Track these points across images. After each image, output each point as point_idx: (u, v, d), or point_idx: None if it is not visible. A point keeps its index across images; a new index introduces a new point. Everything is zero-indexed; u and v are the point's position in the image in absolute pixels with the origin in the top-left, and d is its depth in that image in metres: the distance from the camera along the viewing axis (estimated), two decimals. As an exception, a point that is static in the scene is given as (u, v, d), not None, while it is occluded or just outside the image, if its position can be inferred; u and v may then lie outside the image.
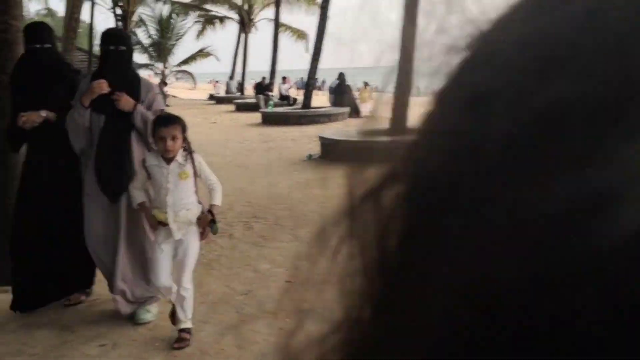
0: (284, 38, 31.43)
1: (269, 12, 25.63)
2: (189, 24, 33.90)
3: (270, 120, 15.80)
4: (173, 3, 31.78)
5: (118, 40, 3.58)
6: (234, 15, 30.04)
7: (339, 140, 9.12)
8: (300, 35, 31.09)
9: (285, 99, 20.75)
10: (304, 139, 12.35)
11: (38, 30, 3.66)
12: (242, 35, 29.84)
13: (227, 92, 29.25)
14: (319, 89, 44.63)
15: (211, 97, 29.85)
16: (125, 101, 3.43)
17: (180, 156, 3.18)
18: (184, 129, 3.20)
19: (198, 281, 3.67)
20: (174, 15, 33.48)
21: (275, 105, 19.66)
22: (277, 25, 22.85)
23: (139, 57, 37.81)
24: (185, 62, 36.59)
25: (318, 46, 16.21)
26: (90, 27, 30.68)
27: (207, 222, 3.21)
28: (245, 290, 3.97)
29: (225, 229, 5.34)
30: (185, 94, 44.60)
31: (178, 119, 3.23)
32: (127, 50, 3.64)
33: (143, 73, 41.88)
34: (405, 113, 9.83)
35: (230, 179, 7.84)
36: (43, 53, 3.59)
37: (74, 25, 14.18)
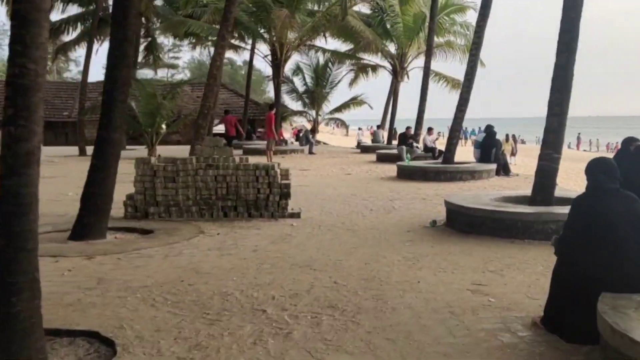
0: (438, 87, 30.21)
1: (422, 60, 24.69)
2: (343, 72, 34.10)
3: (405, 174, 14.57)
4: (330, 52, 32.18)
5: None
6: (386, 63, 29.52)
7: (467, 207, 7.65)
8: (455, 84, 29.62)
9: (429, 151, 19.38)
10: (437, 199, 10.93)
11: None
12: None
13: (374, 140, 28.52)
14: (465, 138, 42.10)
15: (358, 145, 29.34)
16: None
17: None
18: None
19: None
20: (329, 64, 33.91)
21: (417, 158, 18.38)
22: (427, 73, 21.73)
23: (293, 104, 38.99)
24: (338, 109, 36.80)
25: (465, 96, 14.79)
26: (249, 73, 32.14)
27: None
28: None
29: (284, 323, 4.25)
30: (337, 141, 44.97)
31: None
32: None
33: (297, 120, 43.02)
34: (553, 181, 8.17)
35: (329, 247, 6.77)
36: None
37: (215, 72, 14.36)
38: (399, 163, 15.24)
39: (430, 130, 19.80)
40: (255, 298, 4.87)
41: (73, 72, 65.61)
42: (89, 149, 27.92)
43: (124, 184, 9.14)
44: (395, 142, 26.79)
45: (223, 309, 4.59)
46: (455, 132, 15.14)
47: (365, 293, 5.03)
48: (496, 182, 13.76)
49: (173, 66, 64.16)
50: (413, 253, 6.56)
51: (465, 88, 14.79)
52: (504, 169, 14.95)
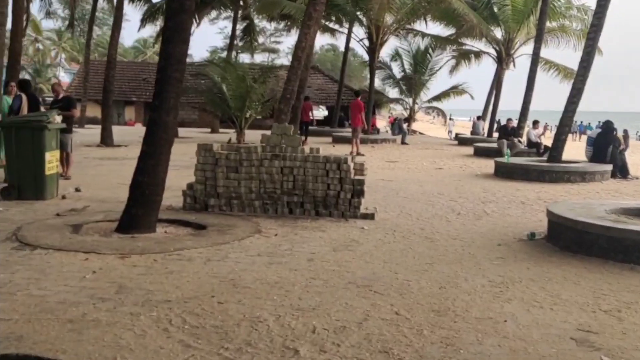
0: (547, 77, 27.70)
1: (531, 47, 22.46)
2: (444, 59, 32.23)
3: (504, 172, 12.99)
4: (430, 37, 30.46)
5: None
6: (491, 50, 27.39)
7: (575, 220, 6.22)
8: (568, 74, 26.97)
9: (534, 146, 17.49)
10: (538, 205, 9.44)
11: None
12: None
13: (473, 132, 26.65)
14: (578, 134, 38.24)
15: (454, 135, 27.54)
16: None
17: None
18: None
19: None
20: (429, 50, 32.17)
21: (520, 153, 16.58)
22: (535, 60, 19.64)
23: (390, 91, 37.58)
24: (437, 98, 34.99)
25: (579, 86, 12.94)
26: (344, 58, 31.15)
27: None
28: None
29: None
30: (435, 131, 43.02)
31: None
32: None
33: (396, 108, 41.46)
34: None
35: (399, 261, 5.66)
36: None
37: (300, 54, 13.52)
38: (498, 159, 13.65)
39: (535, 123, 17.87)
40: (291, 329, 3.89)
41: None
42: (180, 131, 28.43)
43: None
44: (496, 135, 24.88)
45: (247, 342, 3.65)
46: (565, 126, 13.31)
47: (433, 333, 3.90)
48: (611, 187, 11.88)
49: (273, 50, 64.33)
50: (502, 276, 5.30)
51: (580, 77, 12.93)
52: (621, 171, 12.96)
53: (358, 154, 16.81)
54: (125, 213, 6.67)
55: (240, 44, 36.53)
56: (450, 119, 36.30)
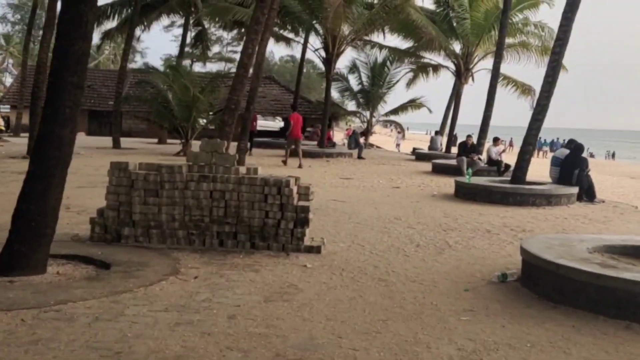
0: (505, 93, 27.27)
1: (490, 61, 21.89)
2: (402, 72, 31.51)
3: (465, 193, 12.05)
4: (388, 49, 29.71)
5: None
6: (449, 64, 26.79)
7: (556, 264, 5.19)
8: (525, 90, 26.62)
9: (494, 164, 16.71)
10: (506, 233, 8.47)
11: None
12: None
13: (431, 147, 25.91)
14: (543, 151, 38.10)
15: (413, 151, 26.79)
16: None
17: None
18: None
19: None
20: (387, 62, 31.42)
21: (479, 171, 15.75)
22: (495, 75, 18.99)
23: (349, 104, 36.72)
24: (395, 111, 34.27)
25: (544, 102, 12.16)
26: (300, 68, 30.07)
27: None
28: None
29: None
30: (393, 146, 42.38)
31: None
32: None
33: (355, 120, 40.56)
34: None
35: (345, 317, 4.49)
36: None
37: (246, 61, 12.33)
38: (458, 179, 12.71)
39: (497, 140, 17.11)
40: None
41: (138, 63, 65.18)
42: (125, 141, 26.73)
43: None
44: (454, 151, 24.20)
45: None
46: (529, 145, 12.49)
47: None
48: (579, 211, 11.06)
49: (230, 60, 62.86)
50: (474, 340, 4.18)
51: (545, 93, 12.14)
52: (587, 194, 12.19)
53: (300, 166, 17.02)
54: (5, 249, 5.31)
55: (194, 51, 35.11)
56: (398, 131, 35.09)
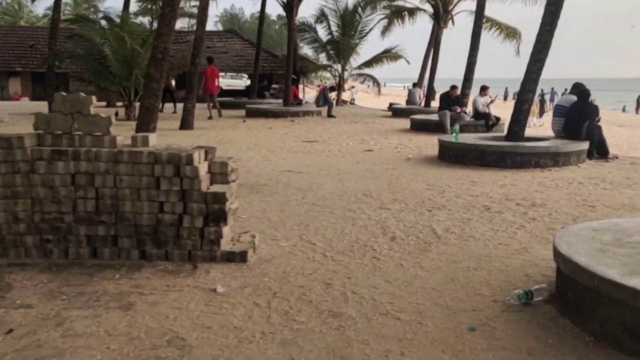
0: (490, 39, 24.86)
1: (470, 2, 19.39)
2: (375, 19, 28.85)
3: (452, 155, 9.82)
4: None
5: None
6: (427, 6, 24.22)
7: (618, 284, 2.98)
8: (510, 33, 24.24)
9: (481, 117, 14.49)
10: (510, 209, 6.31)
11: None
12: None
13: (409, 102, 23.59)
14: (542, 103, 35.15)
15: (390, 107, 24.44)
16: None
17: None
18: None
19: None
20: (359, 9, 28.70)
21: (466, 127, 13.53)
22: (480, 12, 16.53)
23: (314, 57, 33.98)
24: (369, 63, 31.68)
25: (545, 38, 9.88)
26: (261, 16, 27.21)
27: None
28: None
29: None
30: (371, 101, 39.87)
31: None
32: None
33: (324, 76, 37.88)
34: None
35: None
36: None
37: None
38: (443, 138, 10.45)
39: (484, 89, 14.82)
40: None
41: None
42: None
43: None
44: (435, 105, 21.96)
45: None
46: (528, 92, 10.23)
47: None
48: (594, 172, 8.91)
49: (194, 15, 58.87)
50: None
51: (547, 27, 9.82)
52: (598, 150, 10.06)
53: (210, 118, 17.79)
54: None
55: (152, 7, 31.87)
56: (352, 87, 31.68)
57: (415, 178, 8.31)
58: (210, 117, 18.19)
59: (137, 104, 19.66)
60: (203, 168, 4.41)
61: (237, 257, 4.41)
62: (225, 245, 4.46)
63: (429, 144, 12.42)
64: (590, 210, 6.32)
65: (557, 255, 3.55)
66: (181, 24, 53.79)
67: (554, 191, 7.42)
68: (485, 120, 14.28)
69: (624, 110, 46.07)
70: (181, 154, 4.31)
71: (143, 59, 17.09)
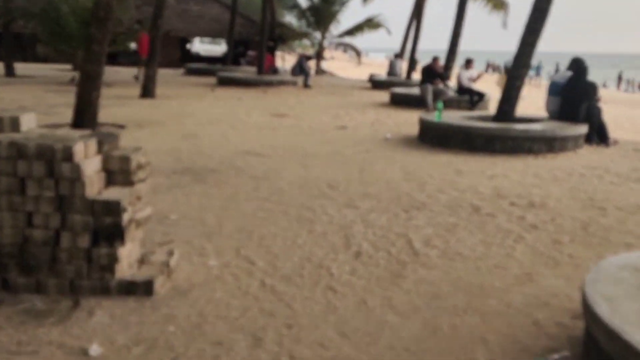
0: (474, 9, 23.49)
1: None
2: (357, -15, 27.31)
3: (433, 137, 8.63)
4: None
5: None
6: (411, -28, 22.70)
7: None
8: (497, 4, 22.91)
9: (465, 93, 13.31)
10: (505, 210, 5.18)
11: None
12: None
13: (390, 73, 22.26)
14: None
15: (370, 78, 23.10)
16: None
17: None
18: None
19: None
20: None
21: (448, 102, 12.36)
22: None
23: (295, 24, 32.39)
24: (350, 32, 30.21)
25: (543, 5, 8.66)
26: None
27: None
28: None
29: None
30: (351, 72, 38.38)
31: None
32: None
33: (305, 44, 36.31)
34: None
35: None
36: None
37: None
38: (424, 116, 9.23)
39: (469, 63, 13.60)
40: None
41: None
42: (31, 68, 22.15)
43: None
44: (416, 78, 20.72)
45: None
46: (522, 67, 9.03)
47: None
48: (594, 160, 7.79)
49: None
50: None
51: (539, 6, 8.58)
52: (599, 134, 8.94)
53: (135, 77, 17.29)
54: None
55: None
56: (306, 56, 27.93)
57: (391, 165, 7.12)
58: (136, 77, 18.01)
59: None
60: (91, 165, 3.16)
61: (140, 289, 3.20)
62: (125, 270, 3.24)
63: (409, 120, 11.22)
64: (600, 214, 5.19)
65: (594, 319, 2.37)
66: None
67: (552, 185, 6.28)
68: (470, 96, 13.10)
69: (604, 85, 45.17)
70: (55, 146, 3.04)
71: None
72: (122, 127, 9.19)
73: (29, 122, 3.40)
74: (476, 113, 10.52)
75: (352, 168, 6.85)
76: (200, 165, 6.71)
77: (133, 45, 22.16)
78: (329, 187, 5.90)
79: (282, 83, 18.77)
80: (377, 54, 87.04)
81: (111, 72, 20.20)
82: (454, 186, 6.08)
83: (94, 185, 3.16)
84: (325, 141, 8.78)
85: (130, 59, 24.82)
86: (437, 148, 8.26)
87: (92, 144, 3.23)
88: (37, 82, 17.00)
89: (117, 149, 3.45)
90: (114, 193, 3.22)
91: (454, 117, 9.30)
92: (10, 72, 19.32)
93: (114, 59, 23.89)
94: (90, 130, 3.36)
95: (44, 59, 27.75)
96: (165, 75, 21.27)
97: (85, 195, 3.09)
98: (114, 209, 3.12)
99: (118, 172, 3.34)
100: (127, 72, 21.53)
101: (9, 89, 14.88)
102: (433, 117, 8.92)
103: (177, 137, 8.52)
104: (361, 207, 5.17)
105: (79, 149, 3.07)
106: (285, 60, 33.25)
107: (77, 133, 3.43)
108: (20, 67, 20.82)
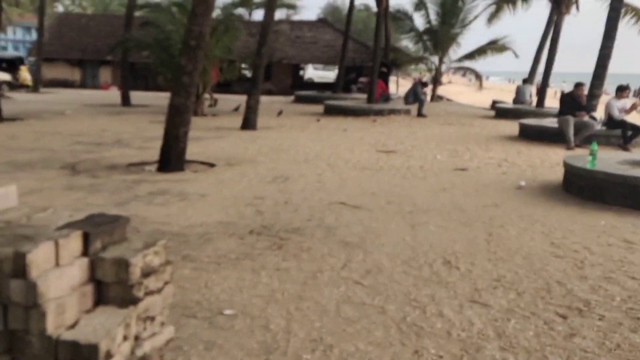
0: (624, 29, 20.70)
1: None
2: (479, 6, 25.45)
3: (583, 188, 6.76)
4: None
5: None
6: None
7: None
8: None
9: (618, 126, 11.13)
10: None
11: None
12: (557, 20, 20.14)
13: (517, 100, 20.10)
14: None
15: (493, 105, 21.06)
16: None
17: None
18: None
19: None
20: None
21: (595, 136, 10.27)
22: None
23: (412, 49, 30.96)
24: (470, 56, 28.22)
25: None
26: (350, 6, 24.46)
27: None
28: None
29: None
30: (468, 97, 36.17)
31: None
32: None
33: (421, 69, 34.72)
34: None
35: None
36: None
37: None
38: (570, 160, 7.36)
39: (622, 90, 11.41)
40: None
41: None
42: (148, 97, 22.61)
43: None
44: (550, 106, 18.47)
45: None
46: None
47: None
48: None
49: (290, 6, 56.61)
50: None
51: None
52: None
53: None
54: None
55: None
56: (422, 82, 24.88)
57: (530, 228, 5.45)
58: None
59: (206, 97, 17.92)
60: (64, 279, 1.97)
61: None
62: None
63: (546, 161, 9.38)
64: None
65: None
66: (280, 14, 52.01)
67: None
68: (622, 130, 10.91)
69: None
70: (0, 253, 1.88)
71: (213, 49, 15.16)
72: (212, 165, 8.27)
73: (4, 201, 2.31)
74: (638, 156, 8.44)
75: (477, 232, 5.28)
76: (284, 221, 5.48)
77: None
78: (444, 263, 4.40)
79: (393, 112, 17.42)
80: (496, 78, 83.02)
81: (220, 102, 20.02)
82: (627, 270, 4.33)
83: (64, 312, 1.97)
84: (440, 188, 7.24)
85: (243, 86, 24.73)
86: (589, 203, 6.43)
87: (72, 242, 2.05)
88: (149, 112, 16.96)
89: (122, 241, 2.25)
90: (97, 321, 2.00)
91: (609, 161, 7.37)
92: (126, 101, 19.68)
93: (228, 87, 23.87)
94: (85, 217, 2.17)
95: (166, 88, 28.59)
96: (274, 103, 20.75)
97: (45, 332, 1.90)
98: (89, 352, 1.90)
99: (113, 283, 2.13)
100: (239, 100, 21.27)
101: (117, 120, 14.84)
102: (584, 162, 7.06)
103: (266, 180, 7.39)
104: (493, 306, 3.63)
105: (36, 258, 1.89)
106: (400, 86, 31.90)
107: (62, 218, 2.27)
108: (139, 96, 21.29)
